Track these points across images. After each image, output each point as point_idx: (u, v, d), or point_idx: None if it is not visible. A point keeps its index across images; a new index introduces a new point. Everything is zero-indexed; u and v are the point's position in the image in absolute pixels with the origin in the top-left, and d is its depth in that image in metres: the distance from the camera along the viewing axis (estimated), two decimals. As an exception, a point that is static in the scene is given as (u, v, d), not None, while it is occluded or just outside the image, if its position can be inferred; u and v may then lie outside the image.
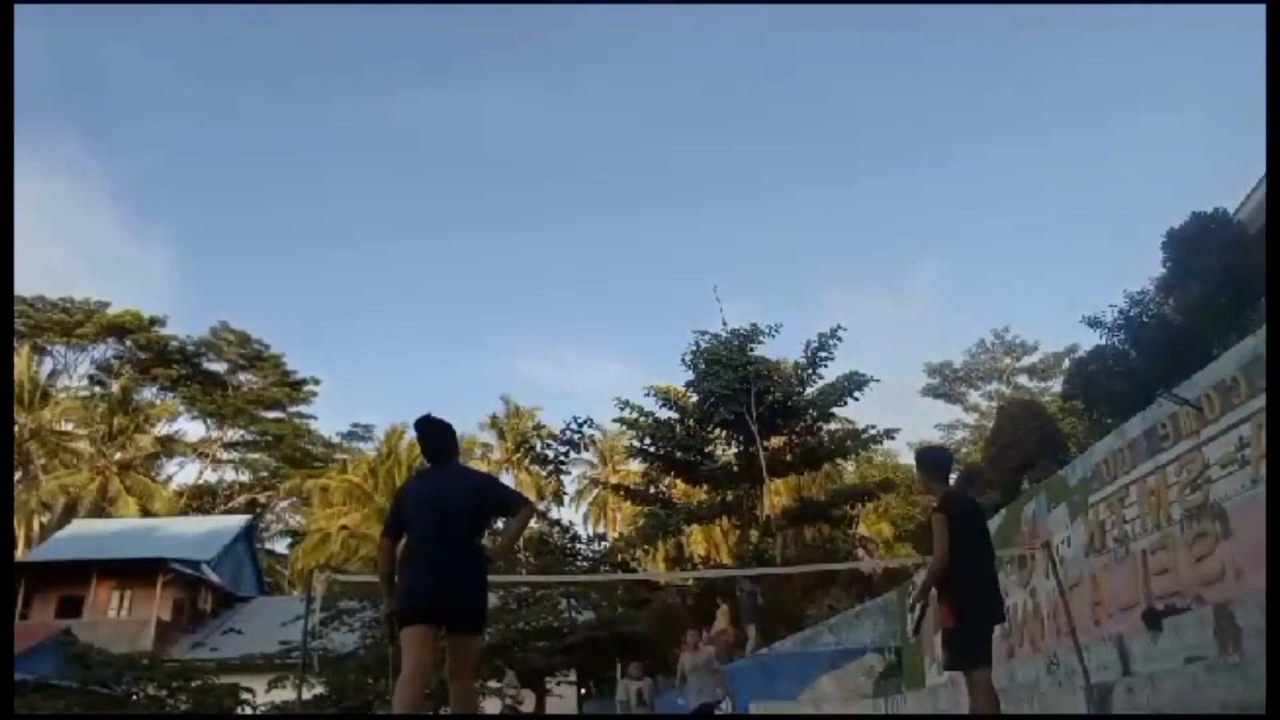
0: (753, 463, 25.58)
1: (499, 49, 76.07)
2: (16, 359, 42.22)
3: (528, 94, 77.99)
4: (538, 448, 29.36)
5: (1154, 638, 7.27)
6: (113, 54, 72.21)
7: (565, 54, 76.93)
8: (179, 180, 76.58)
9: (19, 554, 37.05)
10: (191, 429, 50.76)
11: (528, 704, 16.14)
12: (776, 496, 27.87)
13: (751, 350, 26.46)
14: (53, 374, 47.95)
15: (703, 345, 26.55)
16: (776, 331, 27.08)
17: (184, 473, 51.72)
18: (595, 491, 44.03)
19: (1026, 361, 42.24)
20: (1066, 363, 31.36)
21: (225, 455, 51.53)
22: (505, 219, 78.93)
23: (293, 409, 51.60)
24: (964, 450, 38.79)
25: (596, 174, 79.41)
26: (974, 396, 43.10)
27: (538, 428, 37.67)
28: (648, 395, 28.42)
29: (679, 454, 27.32)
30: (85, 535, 34.27)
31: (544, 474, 32.22)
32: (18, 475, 42.33)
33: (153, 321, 48.26)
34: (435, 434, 4.76)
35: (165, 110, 75.23)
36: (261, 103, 75.46)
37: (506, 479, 46.32)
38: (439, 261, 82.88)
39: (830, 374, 26.92)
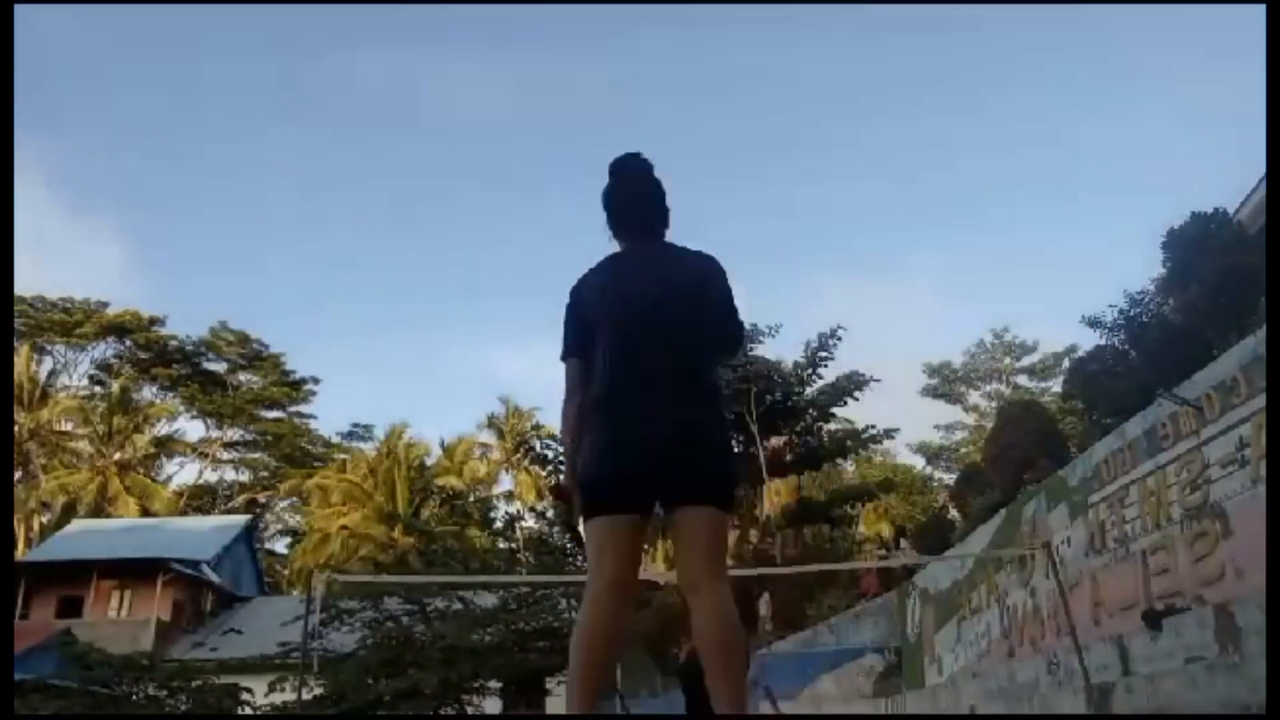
0: (752, 463, 25.60)
1: (479, 12, 73.79)
2: (16, 359, 42.23)
3: (505, 64, 76.28)
4: (537, 448, 29.42)
5: (1154, 638, 7.28)
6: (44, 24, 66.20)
7: (557, 26, 75.63)
8: (124, 161, 71.84)
9: (19, 554, 37.02)
10: (191, 429, 50.78)
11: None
12: (776, 496, 27.89)
13: (751, 350, 26.48)
14: (52, 374, 47.90)
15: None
16: (776, 331, 27.14)
17: (184, 473, 51.75)
18: (595, 492, 43.85)
19: (1026, 361, 42.17)
20: (1066, 363, 31.34)
21: (225, 455, 51.49)
22: (489, 203, 77.83)
23: (292, 409, 51.59)
24: (964, 450, 38.79)
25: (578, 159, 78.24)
26: (974, 397, 43.06)
27: (537, 428, 37.75)
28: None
29: (679, 454, 27.33)
30: (85, 535, 34.22)
31: (544, 474, 32.30)
32: (17, 475, 42.31)
33: (152, 321, 48.27)
34: (641, 183, 2.78)
35: (100, 83, 70.34)
36: (206, 75, 70.90)
37: (505, 479, 46.32)
38: (432, 254, 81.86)
39: (830, 374, 26.99)
